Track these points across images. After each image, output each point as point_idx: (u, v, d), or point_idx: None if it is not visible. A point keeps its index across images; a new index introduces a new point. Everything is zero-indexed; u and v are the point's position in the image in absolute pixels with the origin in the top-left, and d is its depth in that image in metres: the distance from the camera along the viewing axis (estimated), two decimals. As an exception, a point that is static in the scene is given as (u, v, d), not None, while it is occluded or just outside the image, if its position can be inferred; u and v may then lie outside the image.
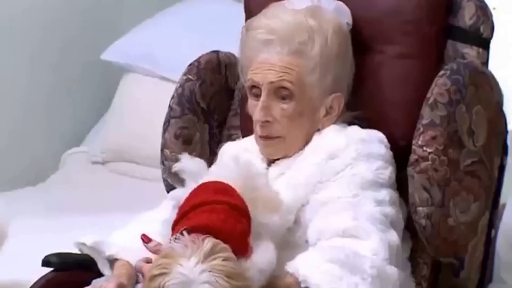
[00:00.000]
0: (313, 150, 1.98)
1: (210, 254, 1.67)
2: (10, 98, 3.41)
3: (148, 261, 1.90)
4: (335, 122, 2.01)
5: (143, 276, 1.89)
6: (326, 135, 1.99)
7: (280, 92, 1.98)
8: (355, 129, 1.99)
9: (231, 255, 1.69)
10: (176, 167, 1.93)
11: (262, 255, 1.78)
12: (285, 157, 2.01)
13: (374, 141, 1.96)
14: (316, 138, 2.00)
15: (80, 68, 3.52)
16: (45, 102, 3.52)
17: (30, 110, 3.48)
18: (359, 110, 2.04)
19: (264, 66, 1.98)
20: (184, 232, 1.71)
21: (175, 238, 1.72)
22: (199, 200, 1.80)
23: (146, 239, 1.89)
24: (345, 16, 2.05)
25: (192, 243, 1.69)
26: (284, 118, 1.98)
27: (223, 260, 1.67)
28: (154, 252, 1.86)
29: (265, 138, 2.00)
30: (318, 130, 2.00)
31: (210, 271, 1.65)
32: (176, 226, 1.80)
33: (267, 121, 1.98)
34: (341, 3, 2.06)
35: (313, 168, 1.94)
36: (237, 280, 1.67)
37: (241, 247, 1.74)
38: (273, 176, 1.99)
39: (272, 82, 1.97)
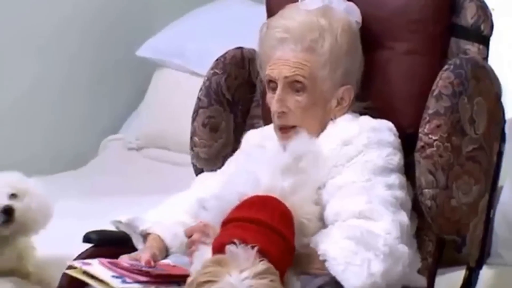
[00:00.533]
0: (328, 137, 1.99)
1: (262, 273, 1.67)
2: (55, 90, 3.45)
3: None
4: (347, 112, 2.01)
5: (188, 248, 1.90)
6: (340, 123, 2.00)
7: (294, 86, 1.99)
8: (366, 119, 2.00)
9: (278, 280, 1.70)
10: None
11: None
12: None
13: (384, 129, 1.97)
14: (331, 127, 2.01)
15: (117, 63, 3.54)
16: (86, 94, 3.54)
17: (73, 101, 3.50)
18: (371, 101, 2.04)
19: (279, 62, 2.00)
20: (237, 243, 1.71)
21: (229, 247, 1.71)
22: (252, 214, 1.79)
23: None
24: (355, 15, 2.06)
25: (245, 258, 1.69)
26: (298, 109, 1.99)
27: (270, 281, 1.68)
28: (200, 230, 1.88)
29: (282, 127, 2.02)
30: (332, 119, 2.01)
31: None
32: (224, 227, 1.81)
33: (283, 112, 1.99)
34: (351, 3, 2.07)
35: (328, 153, 1.95)
36: None
37: (282, 275, 1.74)
38: None
39: (286, 77, 1.98)
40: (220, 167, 2.19)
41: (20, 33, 3.30)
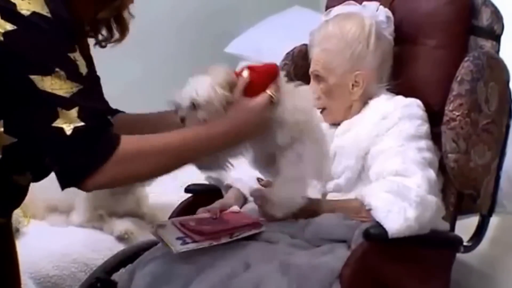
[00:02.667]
0: (371, 112, 1.92)
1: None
2: (157, 81, 3.35)
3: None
4: (385, 93, 1.94)
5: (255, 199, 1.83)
6: (379, 101, 1.93)
7: (317, 77, 1.94)
8: (400, 98, 1.93)
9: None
10: None
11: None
12: (340, 121, 1.94)
13: (414, 105, 1.90)
14: (372, 103, 1.94)
15: (209, 58, 3.40)
16: (182, 84, 3.46)
17: (176, 86, 3.41)
18: (407, 85, 1.97)
19: (312, 60, 1.98)
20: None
21: None
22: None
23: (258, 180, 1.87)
24: (381, 16, 1.98)
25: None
26: (322, 94, 1.93)
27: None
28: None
29: (319, 109, 1.97)
30: (370, 98, 1.94)
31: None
32: None
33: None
34: (374, 9, 1.99)
35: (371, 126, 1.88)
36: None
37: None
38: (340, 132, 1.93)
39: (311, 72, 1.96)
40: None
41: (147, 29, 3.21)
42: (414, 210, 1.70)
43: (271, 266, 1.62)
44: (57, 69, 1.36)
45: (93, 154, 1.38)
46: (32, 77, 1.35)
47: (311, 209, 1.78)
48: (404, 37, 2.01)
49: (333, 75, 1.94)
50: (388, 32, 1.99)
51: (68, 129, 1.36)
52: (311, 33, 2.03)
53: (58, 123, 1.35)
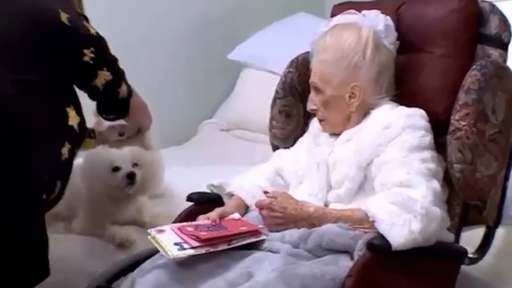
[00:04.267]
0: (373, 121, 1.88)
1: None
2: (167, 84, 3.40)
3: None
4: (388, 103, 1.90)
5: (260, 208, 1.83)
6: (382, 111, 1.89)
7: (315, 88, 1.92)
8: (403, 108, 1.89)
9: None
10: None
11: None
12: (339, 132, 1.92)
13: (417, 116, 1.85)
14: (375, 113, 1.89)
15: (213, 64, 3.50)
16: (188, 87, 3.48)
17: (178, 92, 3.44)
18: (413, 93, 1.94)
19: (311, 71, 1.96)
20: None
21: None
22: None
23: (265, 192, 1.86)
24: (380, 26, 1.94)
25: None
26: (321, 106, 1.91)
27: None
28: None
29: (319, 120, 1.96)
30: (371, 108, 1.90)
31: None
32: None
33: (312, 109, 1.94)
34: (374, 17, 1.95)
35: (374, 135, 1.84)
36: None
37: None
38: (340, 142, 1.90)
39: (310, 83, 1.94)
40: (292, 145, 2.12)
41: (151, 33, 3.29)
42: (419, 223, 1.67)
43: (272, 276, 1.59)
44: None
45: None
46: None
47: (314, 218, 1.76)
48: (411, 45, 1.98)
49: (330, 86, 1.90)
50: (388, 41, 1.94)
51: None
52: (311, 43, 2.00)
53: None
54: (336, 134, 1.94)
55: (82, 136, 1.84)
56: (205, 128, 3.41)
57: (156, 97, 3.30)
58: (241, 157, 2.80)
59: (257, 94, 3.13)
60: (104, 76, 1.84)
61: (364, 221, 1.73)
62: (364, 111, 1.91)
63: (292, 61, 2.15)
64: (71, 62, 1.78)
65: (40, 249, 1.68)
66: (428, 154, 1.81)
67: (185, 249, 1.68)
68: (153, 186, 2.33)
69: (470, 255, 1.92)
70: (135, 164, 2.24)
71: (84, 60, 1.80)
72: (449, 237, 1.83)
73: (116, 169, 2.22)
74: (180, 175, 2.64)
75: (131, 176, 2.21)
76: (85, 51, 1.80)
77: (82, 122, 1.81)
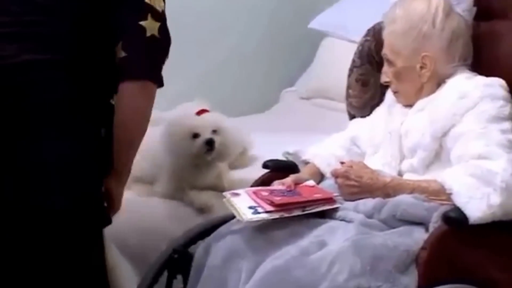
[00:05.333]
0: (448, 91, 1.82)
1: None
2: (250, 54, 3.41)
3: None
4: (464, 72, 1.84)
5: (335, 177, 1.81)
6: (457, 80, 1.83)
7: (387, 60, 1.88)
8: (480, 77, 1.82)
9: None
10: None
11: None
12: (413, 103, 1.87)
13: (496, 85, 1.78)
14: (449, 83, 1.83)
15: (294, 34, 3.48)
16: (271, 57, 3.48)
17: (261, 61, 3.46)
18: (493, 62, 1.86)
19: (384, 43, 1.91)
20: None
21: None
22: None
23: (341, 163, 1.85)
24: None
25: None
26: (393, 78, 1.88)
27: None
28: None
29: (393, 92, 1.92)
30: (446, 78, 1.84)
31: None
32: None
33: (385, 82, 1.90)
34: None
35: (448, 105, 1.78)
36: None
37: None
38: (413, 111, 1.85)
39: (382, 55, 1.91)
40: (369, 115, 2.07)
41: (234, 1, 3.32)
42: (499, 197, 1.62)
43: (345, 245, 1.59)
44: None
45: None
46: None
47: (390, 187, 1.74)
48: (492, 12, 1.90)
49: (400, 58, 1.85)
50: (461, 8, 1.87)
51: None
52: (382, 15, 1.96)
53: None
54: (410, 106, 1.90)
55: None
56: (286, 96, 3.40)
57: (239, 66, 3.37)
58: (320, 125, 2.77)
59: (337, 64, 2.99)
60: None
61: (440, 193, 1.69)
62: (438, 81, 1.85)
63: (369, 29, 2.10)
64: None
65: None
66: (508, 125, 1.74)
67: (259, 213, 1.68)
68: (233, 153, 2.34)
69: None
70: (214, 131, 2.25)
71: None
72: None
73: (196, 135, 2.23)
74: (261, 142, 2.66)
75: (210, 143, 2.22)
76: None
77: None
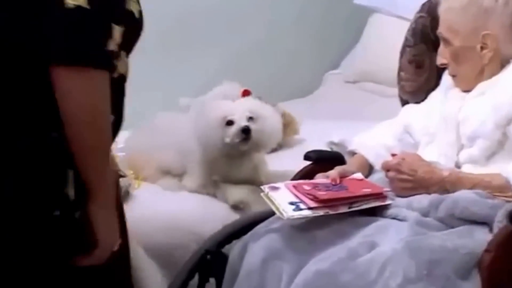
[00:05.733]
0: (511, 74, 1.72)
1: None
2: (290, 34, 3.30)
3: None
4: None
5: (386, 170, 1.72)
6: None
7: (444, 40, 1.77)
8: None
9: None
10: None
11: None
12: (472, 87, 1.76)
13: None
14: None
15: (339, 11, 3.36)
16: (313, 37, 3.37)
17: (303, 43, 3.34)
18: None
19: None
20: None
21: None
22: None
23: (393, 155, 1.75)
24: None
25: None
26: (450, 60, 1.78)
27: None
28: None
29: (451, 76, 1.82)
30: (510, 61, 1.73)
31: None
32: None
33: (441, 64, 1.80)
34: None
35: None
36: None
37: None
38: (473, 95, 1.76)
39: (438, 33, 1.81)
40: (423, 100, 1.95)
41: None
42: None
43: (398, 247, 1.50)
44: None
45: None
46: None
47: (448, 182, 1.65)
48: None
49: (458, 36, 1.74)
50: None
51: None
52: None
53: None
54: (469, 91, 1.79)
55: None
56: (330, 79, 3.31)
57: (278, 46, 3.33)
58: (368, 112, 2.67)
59: (387, 43, 2.92)
60: None
61: (505, 188, 1.61)
62: (501, 62, 1.75)
63: (424, 4, 1.98)
64: None
65: None
66: None
67: (301, 209, 1.61)
68: (270, 143, 2.23)
69: None
70: (250, 118, 2.14)
71: None
72: None
73: (230, 123, 2.12)
74: (302, 130, 2.59)
75: (246, 131, 2.10)
76: None
77: None
